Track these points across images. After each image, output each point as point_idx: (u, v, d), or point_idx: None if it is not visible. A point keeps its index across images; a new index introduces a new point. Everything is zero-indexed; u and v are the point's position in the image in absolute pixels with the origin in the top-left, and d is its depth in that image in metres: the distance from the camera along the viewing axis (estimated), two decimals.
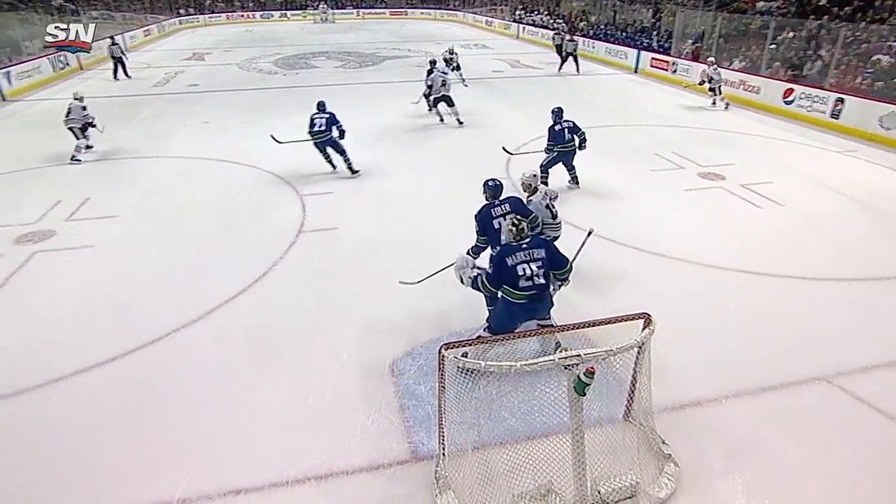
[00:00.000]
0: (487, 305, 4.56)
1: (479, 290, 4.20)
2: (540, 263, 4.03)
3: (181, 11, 36.80)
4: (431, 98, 12.21)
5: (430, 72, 12.04)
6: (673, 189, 8.49)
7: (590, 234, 5.06)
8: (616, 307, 3.86)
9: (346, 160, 8.95)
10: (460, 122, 11.96)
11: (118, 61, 18.04)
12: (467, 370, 3.71)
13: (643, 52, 18.78)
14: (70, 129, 9.94)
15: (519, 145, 9.98)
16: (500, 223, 4.68)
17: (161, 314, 5.36)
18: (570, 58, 18.49)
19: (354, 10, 41.49)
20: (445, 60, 15.97)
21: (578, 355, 3.06)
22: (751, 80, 14.17)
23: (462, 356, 3.30)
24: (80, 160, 9.86)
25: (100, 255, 6.58)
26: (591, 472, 3.35)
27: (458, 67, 15.71)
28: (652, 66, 18.06)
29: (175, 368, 4.69)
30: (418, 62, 20.39)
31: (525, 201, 5.15)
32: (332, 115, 8.64)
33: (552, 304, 4.33)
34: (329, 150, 8.87)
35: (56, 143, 10.45)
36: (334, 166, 9.11)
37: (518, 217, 4.17)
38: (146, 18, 31.10)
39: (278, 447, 3.88)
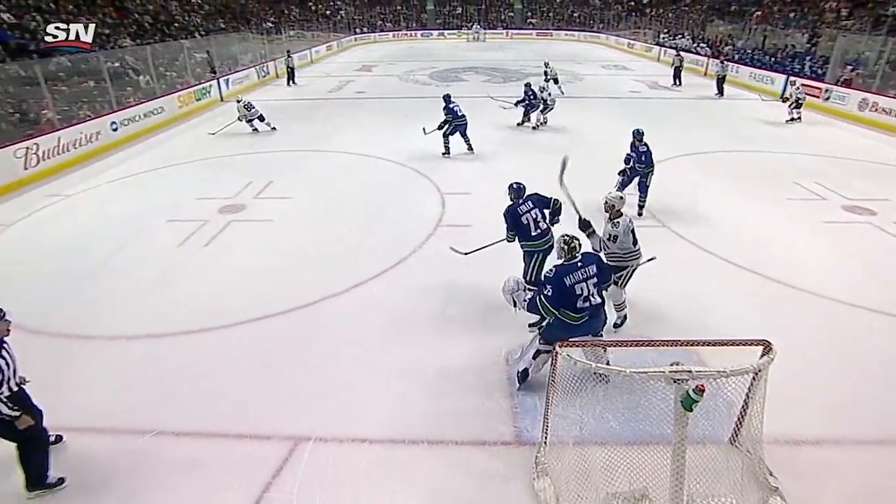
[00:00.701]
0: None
1: (535, 312, 3.97)
2: (595, 280, 3.78)
3: (357, 30, 39.63)
4: (547, 113, 12.61)
5: (529, 92, 12.53)
6: (810, 220, 7.51)
7: (651, 259, 5.02)
8: (733, 330, 3.53)
9: (468, 140, 10.49)
10: (546, 122, 12.72)
11: (291, 71, 19.88)
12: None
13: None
14: (257, 118, 12.48)
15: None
16: (527, 219, 4.95)
17: (316, 283, 5.89)
18: (718, 81, 17.05)
19: (504, 31, 41.71)
20: (545, 73, 16.83)
21: (689, 371, 2.86)
22: None
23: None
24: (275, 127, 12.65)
25: (277, 228, 7.36)
26: (688, 487, 3.13)
27: (556, 80, 16.61)
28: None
29: (322, 330, 5.13)
30: (559, 80, 20.04)
31: (610, 226, 4.73)
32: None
33: (606, 320, 4.07)
34: (458, 133, 10.20)
35: (252, 136, 11.86)
36: (449, 152, 10.33)
37: (569, 235, 3.87)
38: (329, 36, 33.90)
39: (400, 409, 4.10)
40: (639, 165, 7.32)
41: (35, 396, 3.65)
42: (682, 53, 19.73)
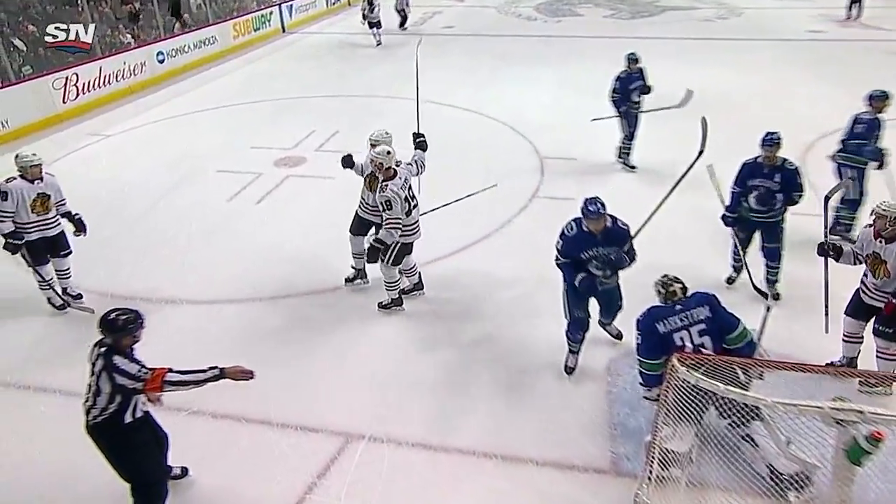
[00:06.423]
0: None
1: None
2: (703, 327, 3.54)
3: None
4: None
5: None
6: None
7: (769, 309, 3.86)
8: None
9: None
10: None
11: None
12: None
13: None
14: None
15: (817, 136, 8.79)
16: None
17: None
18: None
19: None
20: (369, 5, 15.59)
21: (860, 412, 2.68)
22: None
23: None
24: None
25: (336, 188, 7.47)
26: None
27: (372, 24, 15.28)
28: None
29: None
30: (706, 16, 18.76)
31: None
32: None
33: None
34: None
35: (318, 75, 12.25)
36: None
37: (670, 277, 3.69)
38: None
39: (470, 414, 4.16)
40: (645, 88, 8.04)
41: (68, 359, 4.10)
42: None
